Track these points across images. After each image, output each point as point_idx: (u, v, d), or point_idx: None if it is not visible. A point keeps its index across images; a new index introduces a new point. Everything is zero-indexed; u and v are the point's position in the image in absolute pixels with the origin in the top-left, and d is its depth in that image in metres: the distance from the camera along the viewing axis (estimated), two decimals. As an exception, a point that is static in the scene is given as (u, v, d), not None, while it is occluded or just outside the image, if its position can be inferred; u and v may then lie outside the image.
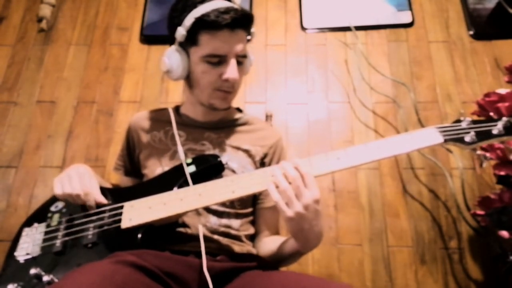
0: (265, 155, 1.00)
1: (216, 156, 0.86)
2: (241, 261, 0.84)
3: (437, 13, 1.74)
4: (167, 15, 0.94)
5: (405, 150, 0.72)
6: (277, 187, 0.70)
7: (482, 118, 0.75)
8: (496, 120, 0.71)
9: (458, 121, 0.74)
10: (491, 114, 1.09)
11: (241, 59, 0.91)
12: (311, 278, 0.70)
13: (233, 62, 0.88)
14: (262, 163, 0.99)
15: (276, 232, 1.01)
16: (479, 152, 0.73)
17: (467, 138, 0.72)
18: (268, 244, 0.94)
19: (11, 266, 0.80)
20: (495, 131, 0.71)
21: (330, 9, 1.77)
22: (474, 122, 0.73)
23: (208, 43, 0.86)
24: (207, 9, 0.84)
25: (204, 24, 0.84)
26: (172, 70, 0.91)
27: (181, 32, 0.87)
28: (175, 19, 0.90)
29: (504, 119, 0.70)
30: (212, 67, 0.88)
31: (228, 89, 0.91)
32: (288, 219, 0.69)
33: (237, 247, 0.89)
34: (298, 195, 0.68)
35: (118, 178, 1.12)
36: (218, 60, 0.87)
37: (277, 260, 0.90)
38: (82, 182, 0.81)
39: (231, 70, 0.87)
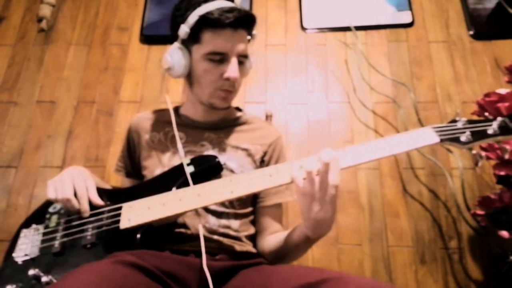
0: (265, 154, 1.00)
1: (214, 157, 0.86)
2: (241, 260, 0.84)
3: (437, 13, 1.74)
4: (170, 14, 0.95)
5: (402, 150, 0.72)
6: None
7: (478, 118, 0.76)
8: (491, 120, 0.72)
9: (454, 121, 0.74)
10: (486, 114, 1.09)
11: (242, 59, 0.92)
12: (309, 268, 0.71)
13: (234, 61, 0.89)
14: (262, 161, 0.99)
15: (279, 229, 1.00)
16: (474, 151, 0.73)
17: (463, 138, 0.72)
18: (273, 239, 0.93)
19: (9, 267, 0.79)
20: (490, 131, 0.71)
21: (330, 9, 1.77)
22: (469, 122, 0.73)
23: (210, 41, 0.87)
24: (211, 7, 0.86)
25: (207, 22, 0.86)
26: (173, 67, 0.91)
27: (184, 29, 0.88)
28: (179, 18, 0.91)
29: (499, 119, 0.71)
30: (213, 66, 0.89)
31: (229, 88, 0.92)
32: (302, 195, 0.70)
33: (237, 247, 0.89)
34: (319, 175, 0.68)
35: (119, 179, 1.12)
36: (220, 58, 0.89)
37: (284, 253, 0.89)
38: (76, 185, 0.81)
39: (232, 69, 0.88)
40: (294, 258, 0.91)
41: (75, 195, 0.80)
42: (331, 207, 0.70)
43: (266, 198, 0.98)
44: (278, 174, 0.74)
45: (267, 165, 0.99)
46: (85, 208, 0.80)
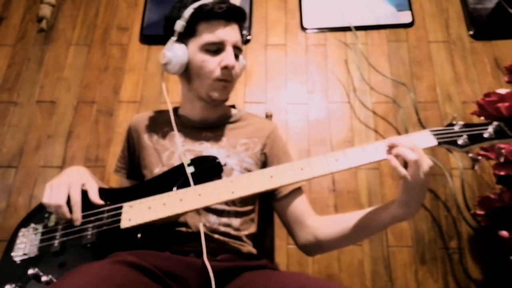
0: (264, 146, 1.00)
1: (214, 157, 0.86)
2: (242, 261, 0.84)
3: (437, 13, 1.74)
4: (165, 15, 0.99)
5: None
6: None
7: (476, 121, 0.77)
8: (487, 124, 0.73)
9: (451, 124, 0.76)
10: (487, 110, 1.09)
11: (237, 51, 0.96)
12: (311, 278, 0.70)
13: (230, 50, 0.92)
14: (263, 154, 1.00)
15: (311, 210, 0.97)
16: (471, 154, 0.75)
17: (460, 141, 0.74)
18: (337, 221, 0.88)
19: (8, 266, 0.79)
20: (486, 135, 0.73)
21: (330, 9, 1.77)
22: (466, 125, 0.75)
23: (206, 31, 0.92)
24: (204, 1, 0.92)
25: (202, 14, 0.91)
26: (171, 62, 0.93)
27: (180, 24, 0.92)
28: (174, 15, 0.95)
29: (495, 123, 0.72)
30: (210, 56, 0.92)
31: (227, 78, 0.94)
32: (404, 177, 0.72)
33: (238, 247, 0.89)
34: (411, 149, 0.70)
35: (118, 180, 1.12)
36: (216, 48, 0.92)
37: (354, 235, 0.85)
38: (71, 191, 0.80)
39: (229, 57, 0.92)
40: (358, 241, 0.90)
41: (69, 201, 0.79)
42: (427, 182, 0.74)
43: (283, 188, 0.97)
44: (279, 175, 0.75)
45: (270, 156, 1.00)
46: (77, 216, 0.79)
